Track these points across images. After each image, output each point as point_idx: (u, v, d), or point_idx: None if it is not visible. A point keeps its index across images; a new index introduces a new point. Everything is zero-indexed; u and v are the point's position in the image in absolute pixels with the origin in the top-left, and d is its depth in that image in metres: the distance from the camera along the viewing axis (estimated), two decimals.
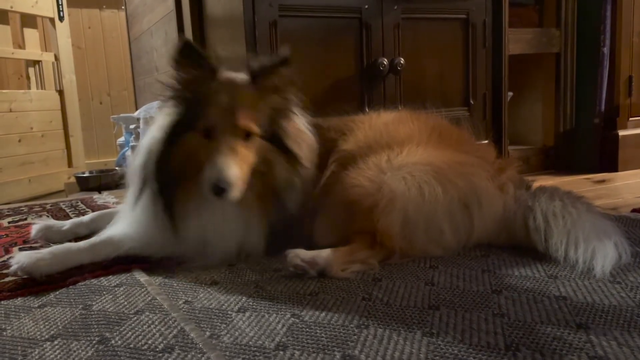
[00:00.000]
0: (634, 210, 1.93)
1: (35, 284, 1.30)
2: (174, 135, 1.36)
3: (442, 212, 1.39)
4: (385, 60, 2.34)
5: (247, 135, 1.33)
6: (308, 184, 1.47)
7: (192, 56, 1.33)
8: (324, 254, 1.32)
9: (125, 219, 1.51)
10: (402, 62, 2.36)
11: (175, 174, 1.37)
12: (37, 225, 1.70)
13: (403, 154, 1.46)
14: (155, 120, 1.47)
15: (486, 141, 1.72)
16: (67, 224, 1.72)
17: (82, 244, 1.44)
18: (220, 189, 1.24)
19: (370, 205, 1.36)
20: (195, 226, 1.40)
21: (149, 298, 1.21)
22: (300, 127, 1.48)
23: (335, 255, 1.32)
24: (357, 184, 1.40)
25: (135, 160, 1.47)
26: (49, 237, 1.68)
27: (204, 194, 1.30)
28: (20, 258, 1.34)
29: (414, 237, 1.38)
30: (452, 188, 1.40)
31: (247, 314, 1.10)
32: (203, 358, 0.91)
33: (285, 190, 1.41)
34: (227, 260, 1.43)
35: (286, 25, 2.17)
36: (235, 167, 1.26)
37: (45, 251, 1.38)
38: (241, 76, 1.39)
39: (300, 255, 1.30)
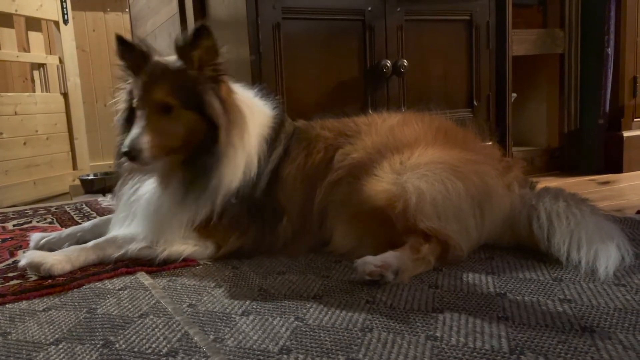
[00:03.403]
0: (638, 212, 1.92)
1: (39, 287, 1.31)
2: (128, 117, 1.52)
3: (466, 204, 1.39)
4: (389, 62, 2.34)
5: (165, 107, 1.42)
6: (244, 154, 1.51)
7: (125, 47, 1.50)
8: (390, 255, 1.29)
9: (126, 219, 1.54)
10: (405, 63, 2.36)
11: None
12: (35, 236, 1.67)
13: (414, 155, 1.46)
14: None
15: (490, 143, 1.71)
16: (65, 231, 1.70)
17: (88, 244, 1.49)
18: (130, 155, 1.37)
19: (403, 207, 1.35)
20: None
21: (153, 301, 1.21)
22: (233, 98, 1.52)
23: (402, 254, 1.30)
24: (382, 189, 1.39)
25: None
26: (49, 248, 1.64)
27: None
28: (30, 254, 1.41)
29: (449, 228, 1.37)
30: (470, 183, 1.40)
31: (251, 317, 1.10)
32: None
33: (208, 158, 1.46)
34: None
35: (289, 27, 2.17)
36: (146, 135, 1.38)
37: (55, 251, 1.46)
38: (171, 57, 1.49)
39: (370, 261, 1.27)
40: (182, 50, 1.44)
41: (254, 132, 1.55)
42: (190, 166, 1.47)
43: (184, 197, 1.46)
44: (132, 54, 1.49)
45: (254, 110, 1.59)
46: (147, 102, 1.42)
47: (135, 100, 1.45)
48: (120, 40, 1.50)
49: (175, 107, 1.42)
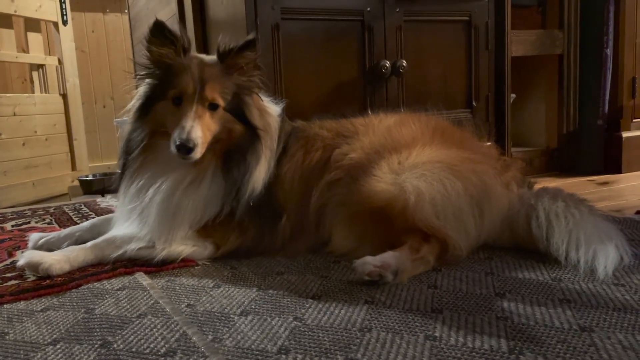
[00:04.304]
0: (638, 212, 1.92)
1: (37, 287, 1.31)
2: (146, 105, 1.49)
3: (464, 203, 1.39)
4: (388, 62, 2.34)
5: (212, 105, 1.45)
6: (272, 156, 1.58)
7: (164, 34, 1.45)
8: (389, 255, 1.29)
9: (127, 218, 1.52)
10: (404, 64, 2.36)
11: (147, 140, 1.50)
12: (34, 236, 1.67)
13: (412, 155, 1.46)
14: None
15: (489, 143, 1.71)
16: (64, 231, 1.68)
17: (87, 244, 1.48)
18: (186, 148, 1.37)
19: (402, 206, 1.35)
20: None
21: (152, 301, 1.20)
22: (263, 106, 1.59)
23: (402, 254, 1.30)
24: (380, 189, 1.39)
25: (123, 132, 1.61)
26: (48, 248, 1.63)
27: (170, 154, 1.42)
28: (28, 254, 1.40)
29: (448, 227, 1.37)
30: (468, 182, 1.40)
31: (250, 317, 1.10)
32: None
33: (243, 154, 1.51)
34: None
35: (288, 28, 2.17)
36: (200, 130, 1.40)
37: (53, 251, 1.46)
38: (210, 57, 1.53)
39: (369, 261, 1.27)
40: (226, 56, 1.47)
41: (275, 135, 1.60)
42: (229, 164, 1.50)
43: (215, 194, 1.48)
44: (169, 44, 1.45)
45: (272, 114, 1.63)
46: (197, 98, 1.42)
47: (174, 92, 1.43)
48: (160, 27, 1.44)
49: (220, 107, 1.46)
